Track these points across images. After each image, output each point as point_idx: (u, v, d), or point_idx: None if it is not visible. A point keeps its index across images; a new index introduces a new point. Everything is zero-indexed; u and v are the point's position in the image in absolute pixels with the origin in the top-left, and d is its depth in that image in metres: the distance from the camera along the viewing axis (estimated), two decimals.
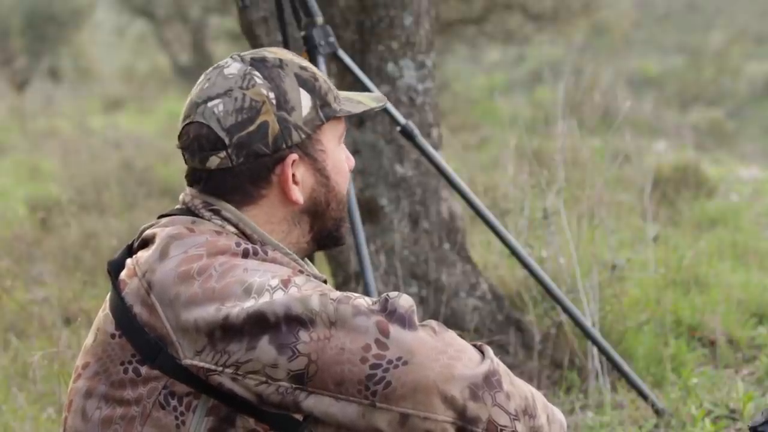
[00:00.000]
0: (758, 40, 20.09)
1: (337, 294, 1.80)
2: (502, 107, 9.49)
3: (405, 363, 1.73)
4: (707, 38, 19.23)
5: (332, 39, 3.39)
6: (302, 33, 3.39)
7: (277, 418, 1.92)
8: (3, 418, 3.82)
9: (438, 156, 3.48)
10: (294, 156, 1.96)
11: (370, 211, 4.15)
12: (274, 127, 1.94)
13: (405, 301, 1.79)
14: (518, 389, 1.82)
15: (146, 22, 19.68)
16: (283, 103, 1.95)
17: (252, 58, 1.98)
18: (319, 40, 3.37)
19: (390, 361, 1.73)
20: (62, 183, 9.45)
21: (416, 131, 3.42)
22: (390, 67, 4.13)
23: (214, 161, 1.95)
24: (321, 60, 3.35)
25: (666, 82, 16.76)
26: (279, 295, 1.79)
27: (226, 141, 1.94)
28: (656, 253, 5.05)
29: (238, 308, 1.79)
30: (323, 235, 2.07)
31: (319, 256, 4.68)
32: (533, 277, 3.65)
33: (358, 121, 4.17)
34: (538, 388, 4.00)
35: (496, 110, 11.37)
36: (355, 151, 4.13)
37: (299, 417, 1.92)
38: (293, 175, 1.98)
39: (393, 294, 1.80)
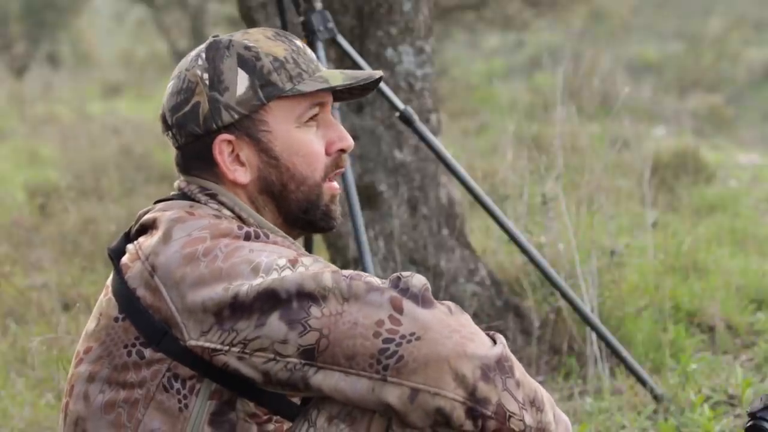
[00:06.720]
0: (757, 26, 20.04)
1: (350, 271, 1.80)
2: (501, 93, 9.47)
3: (418, 338, 1.73)
4: (706, 24, 19.17)
5: (331, 24, 3.38)
6: (301, 18, 3.38)
7: (277, 402, 1.92)
8: (1, 403, 3.82)
9: (437, 142, 3.48)
10: (226, 136, 1.97)
11: (369, 197, 4.15)
12: (204, 107, 1.96)
13: (418, 281, 1.78)
14: (528, 381, 1.81)
15: (145, 7, 19.62)
16: (216, 83, 1.96)
17: (213, 40, 2.01)
18: (318, 25, 3.36)
19: (403, 336, 1.73)
20: (61, 168, 9.44)
21: (415, 117, 3.41)
22: (389, 52, 4.12)
23: (169, 140, 2.05)
24: (320, 45, 3.34)
25: (665, 68, 16.71)
26: (288, 273, 1.79)
27: (170, 121, 2.01)
28: (655, 238, 5.05)
29: (246, 286, 1.79)
30: (291, 218, 2.05)
31: (318, 242, 4.68)
32: (532, 263, 3.66)
33: (357, 106, 4.16)
34: (537, 374, 4.00)
35: (495, 96, 11.33)
36: (353, 137, 4.11)
37: (297, 401, 1.93)
38: (237, 156, 1.99)
39: (405, 273, 1.80)
